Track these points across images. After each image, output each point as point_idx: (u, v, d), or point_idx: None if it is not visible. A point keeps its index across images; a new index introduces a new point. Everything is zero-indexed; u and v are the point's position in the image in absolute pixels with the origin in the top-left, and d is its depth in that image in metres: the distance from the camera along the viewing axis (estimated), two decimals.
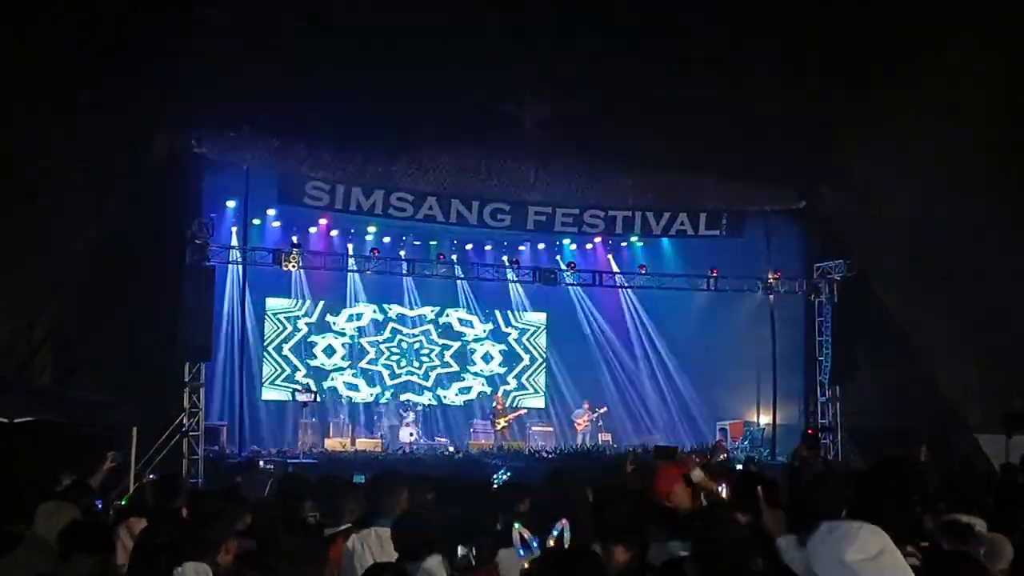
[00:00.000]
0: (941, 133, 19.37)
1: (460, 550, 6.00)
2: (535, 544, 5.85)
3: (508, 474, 13.97)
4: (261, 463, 20.06)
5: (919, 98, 19.53)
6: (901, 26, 19.36)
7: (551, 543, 5.82)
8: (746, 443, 25.44)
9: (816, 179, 23.92)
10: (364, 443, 24.21)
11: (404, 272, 25.64)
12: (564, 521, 5.89)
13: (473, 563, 6.29)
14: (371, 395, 27.05)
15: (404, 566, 5.65)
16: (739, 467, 17.03)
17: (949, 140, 19.25)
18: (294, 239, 23.46)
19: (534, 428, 27.12)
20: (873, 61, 19.98)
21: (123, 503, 13.38)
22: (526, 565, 5.75)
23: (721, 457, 19.99)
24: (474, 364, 28.62)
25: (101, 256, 19.94)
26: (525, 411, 27.66)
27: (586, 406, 27.01)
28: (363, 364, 27.40)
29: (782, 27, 19.90)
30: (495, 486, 10.19)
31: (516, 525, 5.91)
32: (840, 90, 20.79)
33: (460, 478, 9.89)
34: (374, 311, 27.63)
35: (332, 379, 26.93)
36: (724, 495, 8.45)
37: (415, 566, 5.87)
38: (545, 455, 23.79)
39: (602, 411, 26.98)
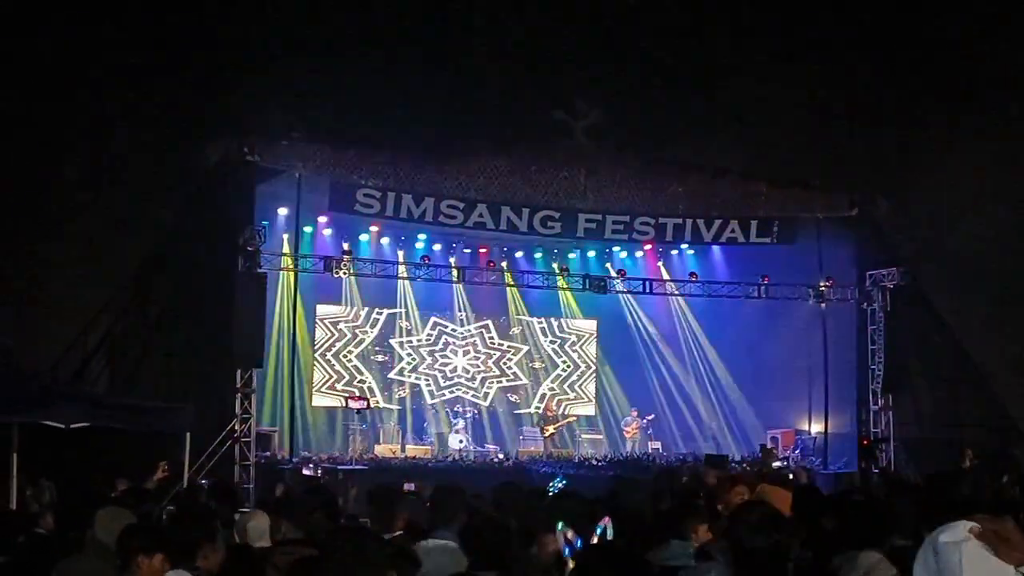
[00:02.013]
0: (999, 147, 19.23)
1: None
2: (579, 544, 5.87)
3: (564, 482, 13.92)
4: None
5: (981, 112, 19.39)
6: (965, 47, 19.19)
7: (595, 541, 5.84)
8: (797, 452, 25.22)
9: (869, 186, 23.72)
10: (414, 450, 24.25)
11: (454, 279, 25.66)
12: (607, 519, 5.91)
13: None
14: (421, 402, 27.07)
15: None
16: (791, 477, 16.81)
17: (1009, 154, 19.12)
18: (345, 246, 23.52)
19: (584, 436, 27.05)
20: (938, 73, 19.82)
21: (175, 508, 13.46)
22: (571, 564, 5.77)
23: (774, 465, 19.89)
24: (523, 371, 28.59)
25: (155, 263, 20.14)
26: (575, 418, 27.60)
27: (634, 413, 26.92)
28: (412, 371, 27.45)
29: (840, 38, 19.79)
30: (551, 494, 10.17)
31: (560, 525, 5.92)
32: (898, 100, 20.64)
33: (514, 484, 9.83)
34: (424, 318, 27.67)
35: (382, 385, 26.98)
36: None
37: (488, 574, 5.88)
38: (595, 463, 23.72)
39: (650, 418, 26.85)
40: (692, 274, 26.13)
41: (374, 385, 26.78)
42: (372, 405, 24.94)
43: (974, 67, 19.42)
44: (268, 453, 21.88)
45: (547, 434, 25.78)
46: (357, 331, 26.97)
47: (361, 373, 26.83)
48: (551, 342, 28.91)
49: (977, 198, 20.42)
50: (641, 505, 8.37)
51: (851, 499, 9.15)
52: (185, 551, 5.65)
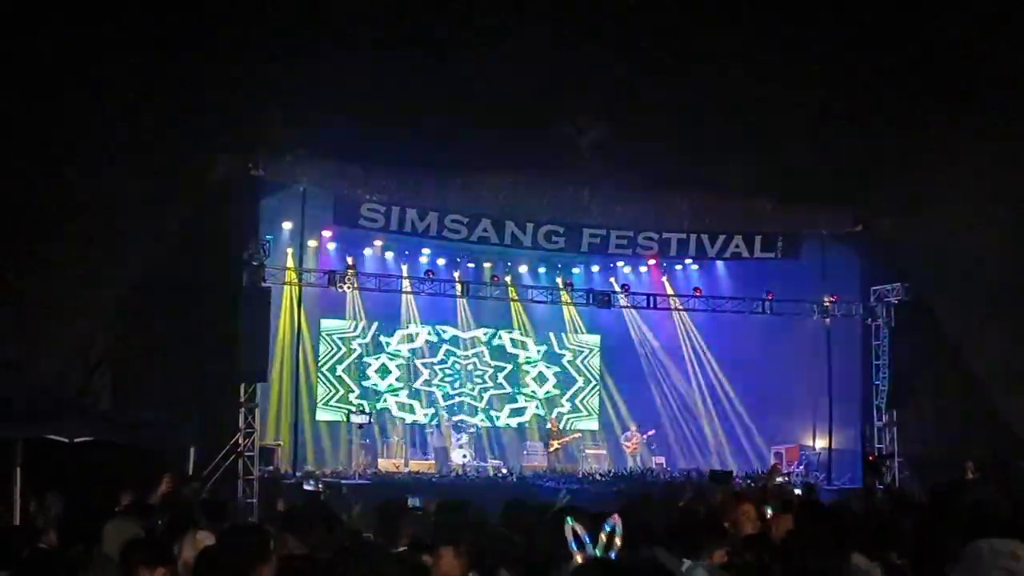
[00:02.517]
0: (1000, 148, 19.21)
1: None
2: (587, 539, 5.89)
3: (568, 497, 13.90)
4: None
5: (982, 112, 19.37)
6: (969, 60, 19.17)
7: (603, 538, 5.86)
8: (802, 467, 25.17)
9: (873, 202, 23.71)
10: (417, 464, 24.21)
11: (458, 294, 25.60)
12: (615, 518, 5.93)
13: None
14: (425, 416, 27.04)
15: None
16: (797, 491, 16.79)
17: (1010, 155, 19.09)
18: (349, 260, 23.51)
19: (587, 451, 26.99)
20: (938, 75, 19.79)
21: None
22: (579, 560, 5.78)
23: (778, 480, 19.87)
24: (527, 386, 28.56)
25: (159, 277, 20.12)
26: (579, 435, 27.50)
27: (634, 428, 26.85)
28: (417, 385, 27.44)
29: (840, 42, 19.78)
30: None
31: (569, 520, 5.92)
32: (899, 105, 20.61)
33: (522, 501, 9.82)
34: (428, 333, 27.68)
35: (386, 400, 26.97)
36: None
37: None
38: (598, 478, 23.68)
39: (650, 434, 26.75)
40: (696, 289, 26.12)
41: (376, 399, 26.75)
42: (373, 420, 24.87)
43: (975, 68, 19.38)
44: (271, 467, 21.84)
45: (551, 449, 25.76)
46: (361, 345, 26.96)
47: (364, 387, 26.81)
48: (555, 357, 28.88)
49: (980, 205, 20.39)
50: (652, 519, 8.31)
51: (847, 511, 9.16)
52: (239, 572, 5.60)
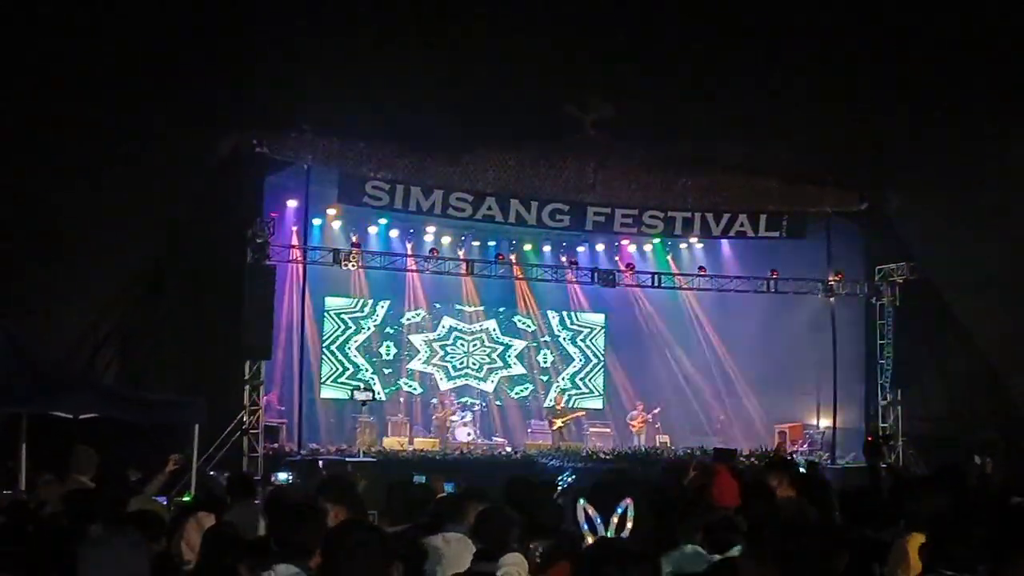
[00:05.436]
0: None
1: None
2: (599, 521, 5.92)
3: (572, 476, 13.93)
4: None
5: (990, 109, 19.32)
6: (980, 37, 19.08)
7: (615, 520, 5.88)
8: (805, 447, 25.19)
9: (879, 181, 23.64)
10: (422, 442, 24.19)
11: (462, 272, 25.59)
12: (628, 500, 5.95)
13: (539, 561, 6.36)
14: (429, 394, 27.05)
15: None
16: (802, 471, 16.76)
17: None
18: (353, 238, 23.55)
19: (591, 429, 26.97)
20: (946, 69, 19.72)
21: (186, 499, 13.52)
22: (589, 540, 5.82)
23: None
24: (532, 364, 28.60)
25: (165, 255, 20.15)
26: (584, 413, 27.53)
27: (640, 407, 26.85)
28: (421, 363, 27.48)
29: (849, 28, 19.69)
30: (559, 488, 10.18)
31: (581, 501, 5.95)
32: (906, 93, 20.53)
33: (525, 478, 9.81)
34: (432, 311, 27.69)
35: (390, 378, 27.01)
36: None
37: (492, 565, 5.92)
38: (603, 456, 23.68)
39: (655, 412, 26.73)
40: (701, 268, 26.13)
41: (381, 377, 26.81)
42: (378, 397, 24.89)
43: (985, 45, 19.30)
44: (276, 445, 21.88)
45: (555, 427, 25.77)
46: (365, 323, 27.00)
47: (368, 365, 26.87)
48: (559, 336, 28.92)
49: (986, 184, 20.34)
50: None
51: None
52: (303, 549, 5.59)
